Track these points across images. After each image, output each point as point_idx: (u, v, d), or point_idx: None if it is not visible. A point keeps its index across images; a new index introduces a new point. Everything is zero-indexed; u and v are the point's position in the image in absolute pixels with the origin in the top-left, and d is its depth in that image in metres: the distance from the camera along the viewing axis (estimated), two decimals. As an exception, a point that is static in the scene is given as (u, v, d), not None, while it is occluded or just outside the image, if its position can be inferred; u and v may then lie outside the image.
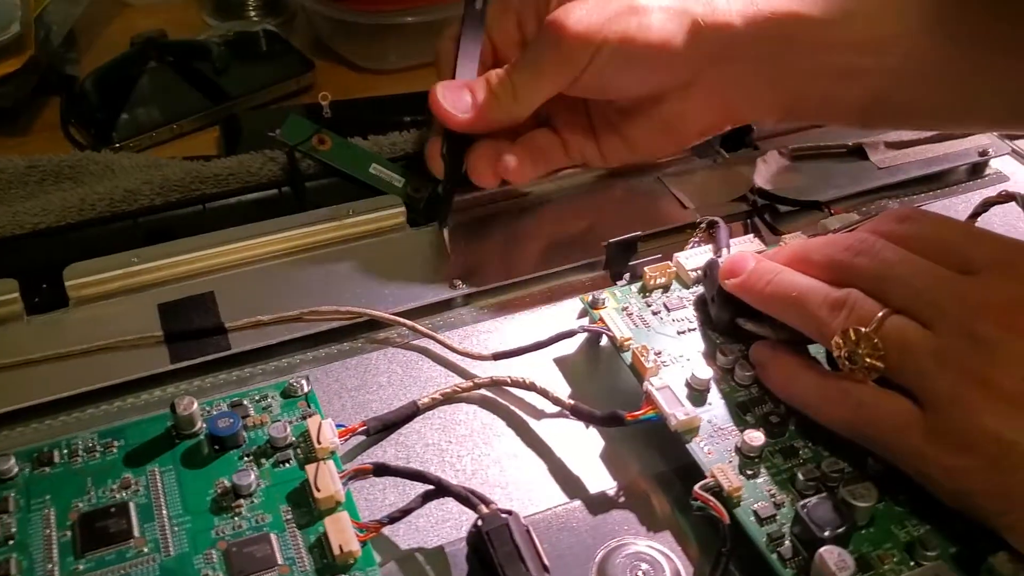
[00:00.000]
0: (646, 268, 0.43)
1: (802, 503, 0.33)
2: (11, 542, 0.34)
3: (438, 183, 0.49)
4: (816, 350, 0.39)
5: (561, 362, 0.43)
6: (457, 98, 0.45)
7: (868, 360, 0.33)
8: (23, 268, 0.46)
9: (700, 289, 0.43)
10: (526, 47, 0.45)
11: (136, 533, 0.34)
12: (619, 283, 0.45)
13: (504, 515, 0.33)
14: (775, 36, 0.43)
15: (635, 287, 0.43)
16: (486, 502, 0.34)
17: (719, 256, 0.42)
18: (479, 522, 0.33)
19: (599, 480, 0.38)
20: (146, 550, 0.34)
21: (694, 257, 0.44)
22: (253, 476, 0.36)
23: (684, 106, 0.45)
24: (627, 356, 0.40)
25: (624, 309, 0.42)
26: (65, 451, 0.37)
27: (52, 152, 0.57)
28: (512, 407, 0.41)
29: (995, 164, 0.55)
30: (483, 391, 0.41)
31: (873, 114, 0.45)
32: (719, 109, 0.46)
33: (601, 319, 0.41)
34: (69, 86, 0.65)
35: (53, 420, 0.40)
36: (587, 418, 0.39)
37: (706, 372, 0.38)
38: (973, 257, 0.34)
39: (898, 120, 0.48)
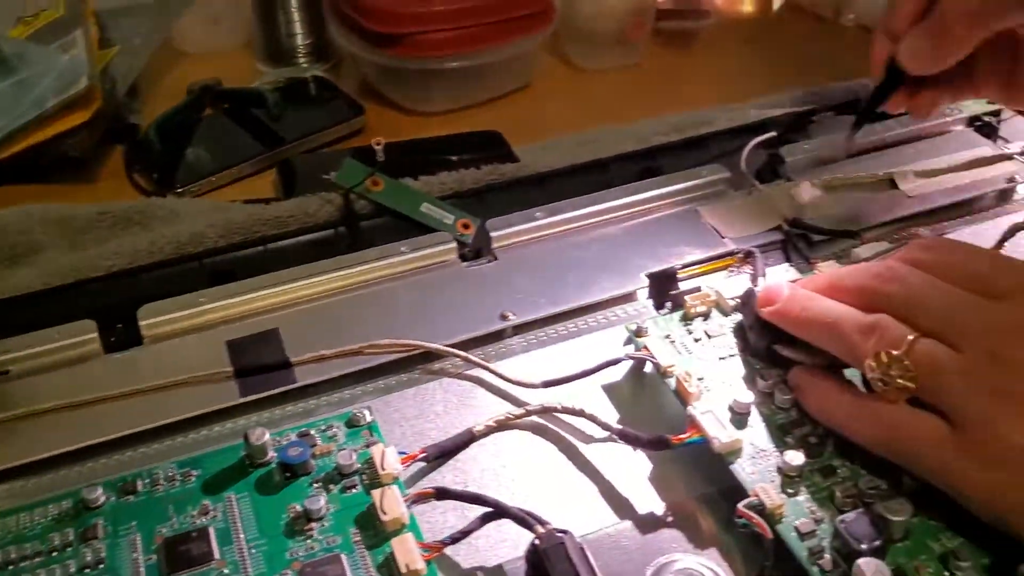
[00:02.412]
0: (687, 297, 0.45)
1: (840, 518, 0.35)
2: (101, 566, 0.37)
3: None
4: (851, 373, 0.40)
5: (608, 388, 0.45)
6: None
7: (900, 382, 0.35)
8: (99, 309, 0.49)
9: (739, 317, 0.45)
10: None
11: (216, 556, 0.37)
12: (661, 312, 0.47)
13: (560, 534, 0.35)
14: None
15: (677, 315, 0.45)
16: (542, 522, 0.36)
17: (756, 285, 0.44)
18: (536, 541, 0.35)
19: (648, 501, 0.40)
20: (226, 571, 0.36)
21: (732, 286, 0.46)
22: (323, 501, 0.38)
23: None
24: (671, 382, 0.42)
25: (667, 337, 0.44)
26: (147, 480, 0.40)
27: (118, 198, 0.61)
28: (563, 433, 0.43)
29: (1022, 190, 0.56)
30: (535, 418, 0.44)
31: None
32: None
33: (645, 347, 0.44)
34: (132, 134, 0.69)
35: (133, 452, 0.43)
36: (635, 442, 0.41)
37: (747, 396, 0.40)
38: (997, 282, 0.36)
39: None
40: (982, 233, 0.53)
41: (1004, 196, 0.56)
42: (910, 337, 0.36)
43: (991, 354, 0.34)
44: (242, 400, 0.45)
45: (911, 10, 0.46)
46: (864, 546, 0.34)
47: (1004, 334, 0.34)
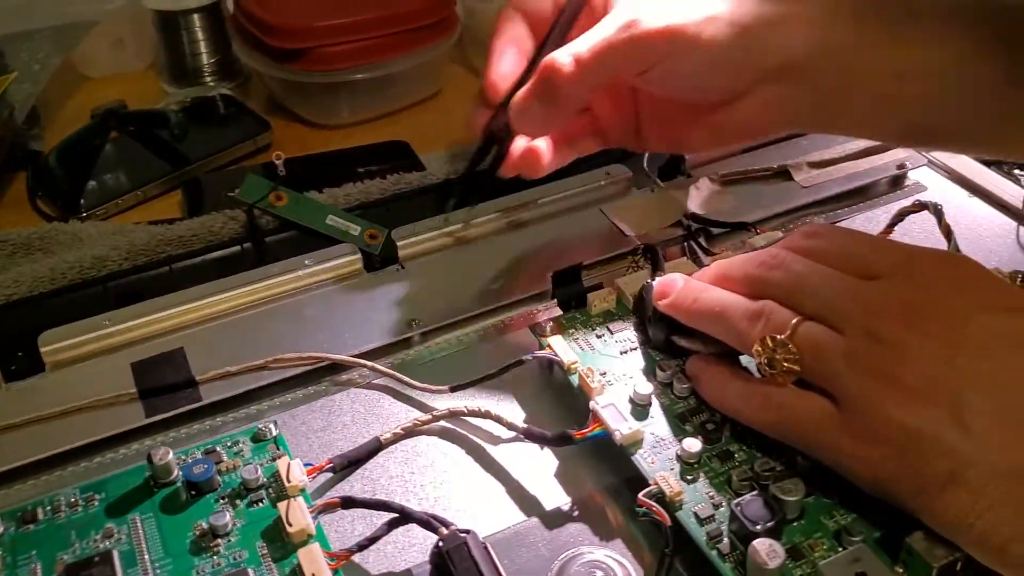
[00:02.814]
0: (589, 294, 0.46)
1: (736, 501, 0.36)
2: (1, 598, 0.36)
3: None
4: (746, 361, 0.41)
5: (516, 389, 0.46)
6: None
7: (785, 365, 0.36)
8: (-1, 338, 0.48)
9: (639, 311, 0.46)
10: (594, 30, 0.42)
11: (120, 579, 0.37)
12: (566, 311, 0.47)
13: (463, 534, 0.36)
14: (832, 67, 0.41)
15: (580, 313, 0.46)
16: (446, 524, 0.37)
17: (654, 279, 0.45)
18: (440, 543, 0.36)
19: (554, 497, 0.41)
20: (131, 594, 0.36)
21: (633, 282, 0.46)
22: (228, 516, 0.38)
23: (733, 114, 0.44)
24: (574, 378, 0.42)
25: (570, 334, 0.45)
26: (48, 508, 0.40)
27: (21, 225, 0.60)
28: (470, 435, 0.43)
29: (913, 176, 0.58)
30: (442, 423, 0.44)
31: (914, 137, 0.46)
32: (766, 120, 0.45)
33: (549, 346, 0.44)
34: (34, 161, 0.67)
35: (36, 480, 0.42)
36: (539, 440, 0.42)
37: (647, 388, 0.41)
38: (875, 264, 0.37)
39: (941, 144, 0.50)
40: (875, 219, 0.55)
41: (896, 182, 0.58)
42: (793, 321, 0.37)
43: (870, 333, 0.35)
44: (147, 421, 0.44)
45: (512, 71, 0.46)
46: (759, 527, 0.35)
47: (881, 313, 0.36)
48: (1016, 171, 0.59)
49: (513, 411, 0.44)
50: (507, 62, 0.46)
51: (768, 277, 0.39)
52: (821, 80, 0.42)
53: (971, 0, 0.40)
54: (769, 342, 0.37)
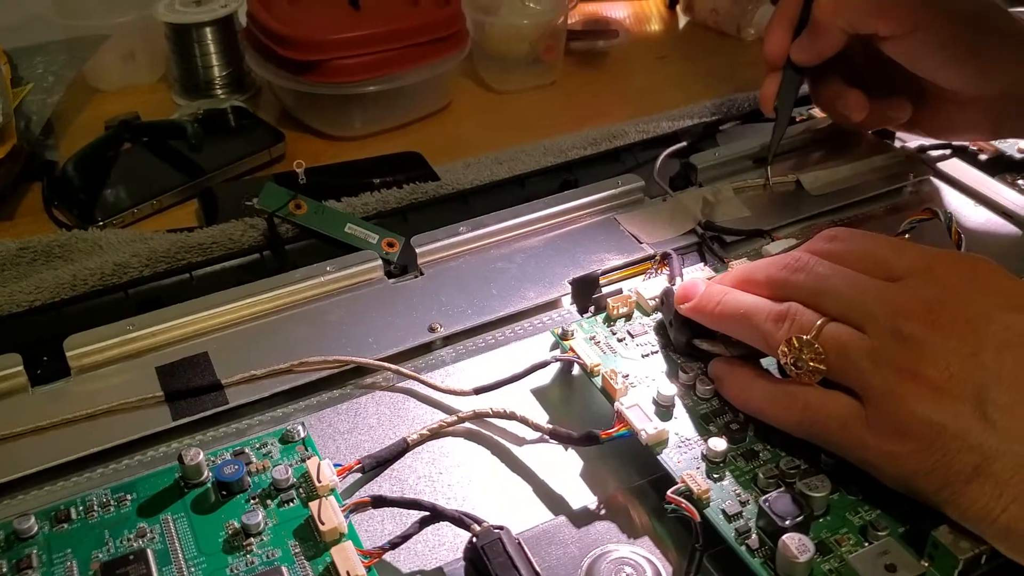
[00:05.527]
0: (609, 300, 0.47)
1: (764, 498, 0.36)
2: (38, 594, 0.37)
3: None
4: (767, 363, 0.42)
5: (537, 391, 0.46)
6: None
7: (811, 364, 0.37)
8: (23, 344, 0.48)
9: (659, 316, 0.46)
10: None
11: (156, 576, 0.37)
12: (585, 315, 0.48)
13: (496, 530, 0.36)
14: None
15: (600, 318, 0.47)
16: (478, 521, 0.37)
17: (673, 284, 0.46)
18: (474, 538, 0.36)
19: (580, 496, 0.41)
20: (167, 591, 0.37)
21: (651, 287, 0.47)
22: (260, 516, 0.39)
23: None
24: (597, 380, 0.43)
25: (592, 338, 0.46)
26: (81, 508, 0.40)
27: (37, 234, 0.61)
28: (495, 436, 0.44)
29: (919, 186, 0.59)
30: (467, 424, 0.44)
31: None
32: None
33: (572, 349, 0.45)
34: (50, 171, 0.68)
35: (66, 481, 0.43)
36: (565, 440, 0.42)
37: (670, 389, 0.42)
38: (896, 266, 0.38)
39: None
40: (883, 228, 0.56)
41: (902, 193, 0.59)
42: (818, 322, 0.38)
43: (893, 332, 0.36)
44: (175, 424, 0.45)
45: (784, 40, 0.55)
46: (787, 522, 0.35)
47: (904, 313, 0.37)
48: (1020, 181, 0.60)
49: (536, 412, 0.45)
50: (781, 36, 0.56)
51: (792, 279, 0.40)
52: None
53: None
54: (795, 342, 0.38)
